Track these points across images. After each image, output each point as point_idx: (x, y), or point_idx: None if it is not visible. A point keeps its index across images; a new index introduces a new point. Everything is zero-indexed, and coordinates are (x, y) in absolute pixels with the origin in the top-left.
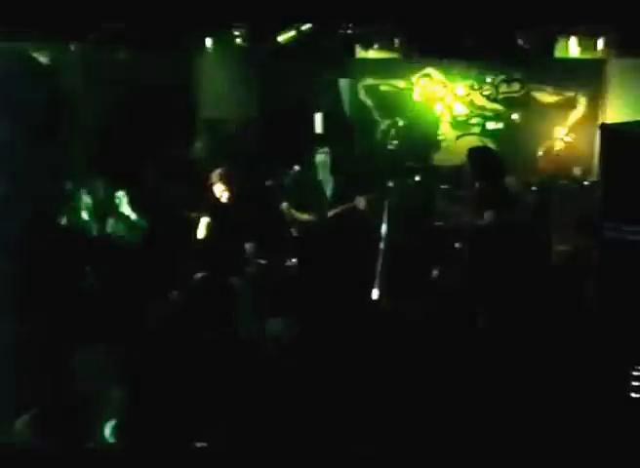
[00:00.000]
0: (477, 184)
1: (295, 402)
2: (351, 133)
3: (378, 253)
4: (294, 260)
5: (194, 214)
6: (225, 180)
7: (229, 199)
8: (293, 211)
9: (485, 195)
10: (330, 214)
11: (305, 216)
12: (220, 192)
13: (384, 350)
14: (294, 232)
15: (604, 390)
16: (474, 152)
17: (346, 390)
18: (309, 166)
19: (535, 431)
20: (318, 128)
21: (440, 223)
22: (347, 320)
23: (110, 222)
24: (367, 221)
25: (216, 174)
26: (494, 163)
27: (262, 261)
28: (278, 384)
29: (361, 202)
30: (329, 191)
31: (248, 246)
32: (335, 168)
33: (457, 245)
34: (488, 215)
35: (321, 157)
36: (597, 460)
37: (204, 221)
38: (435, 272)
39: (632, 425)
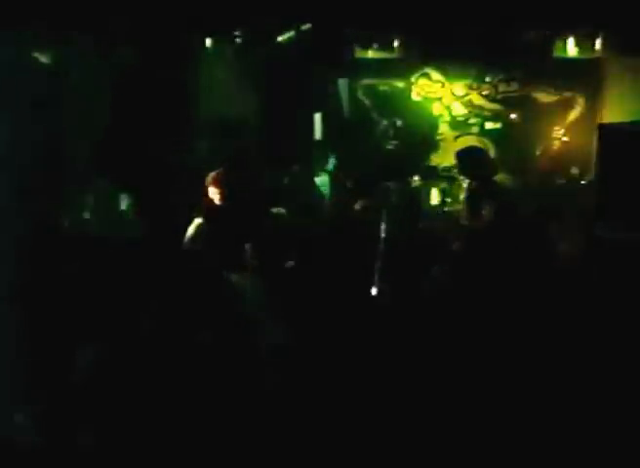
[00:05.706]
0: (466, 184)
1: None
2: (350, 133)
3: (377, 252)
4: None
5: (192, 216)
6: (219, 183)
7: (223, 201)
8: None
9: (473, 194)
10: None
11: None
12: (214, 195)
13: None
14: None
15: (602, 386)
16: (460, 152)
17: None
18: (308, 167)
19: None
20: (317, 129)
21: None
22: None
23: (112, 223)
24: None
25: (210, 176)
26: (480, 162)
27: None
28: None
29: (360, 204)
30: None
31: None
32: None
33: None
34: (477, 214)
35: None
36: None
37: (197, 223)
38: (433, 270)
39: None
